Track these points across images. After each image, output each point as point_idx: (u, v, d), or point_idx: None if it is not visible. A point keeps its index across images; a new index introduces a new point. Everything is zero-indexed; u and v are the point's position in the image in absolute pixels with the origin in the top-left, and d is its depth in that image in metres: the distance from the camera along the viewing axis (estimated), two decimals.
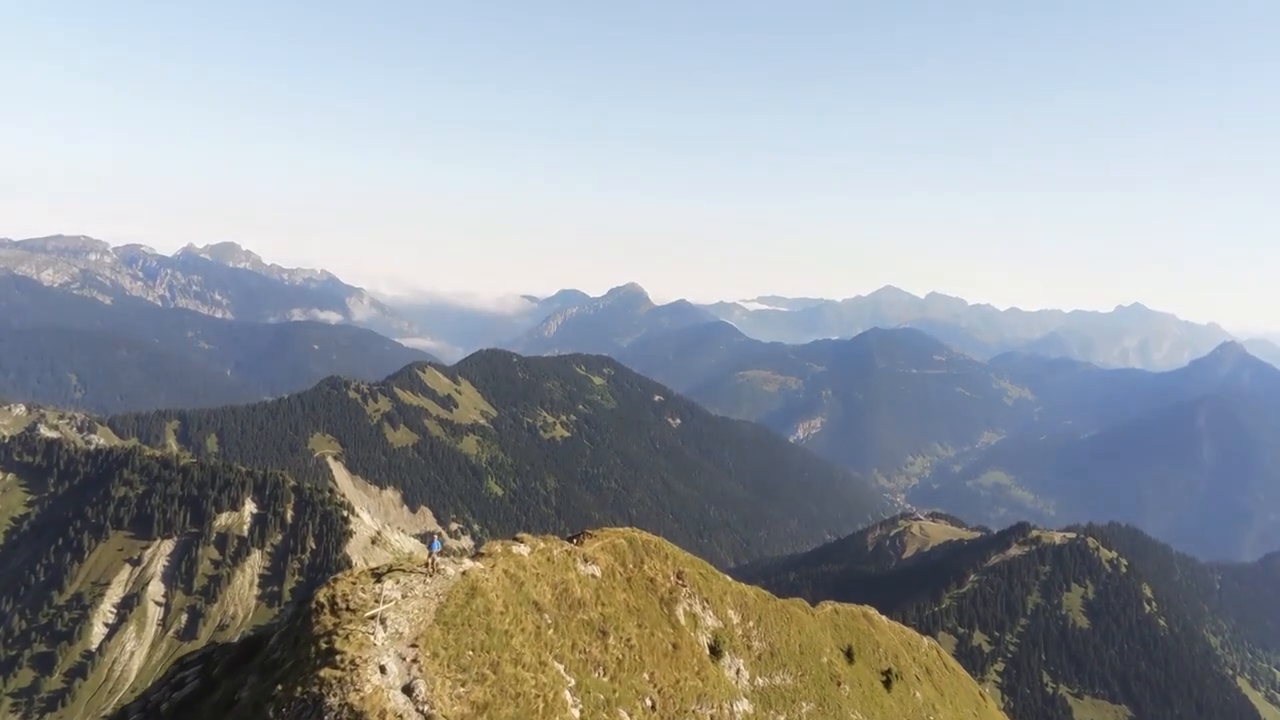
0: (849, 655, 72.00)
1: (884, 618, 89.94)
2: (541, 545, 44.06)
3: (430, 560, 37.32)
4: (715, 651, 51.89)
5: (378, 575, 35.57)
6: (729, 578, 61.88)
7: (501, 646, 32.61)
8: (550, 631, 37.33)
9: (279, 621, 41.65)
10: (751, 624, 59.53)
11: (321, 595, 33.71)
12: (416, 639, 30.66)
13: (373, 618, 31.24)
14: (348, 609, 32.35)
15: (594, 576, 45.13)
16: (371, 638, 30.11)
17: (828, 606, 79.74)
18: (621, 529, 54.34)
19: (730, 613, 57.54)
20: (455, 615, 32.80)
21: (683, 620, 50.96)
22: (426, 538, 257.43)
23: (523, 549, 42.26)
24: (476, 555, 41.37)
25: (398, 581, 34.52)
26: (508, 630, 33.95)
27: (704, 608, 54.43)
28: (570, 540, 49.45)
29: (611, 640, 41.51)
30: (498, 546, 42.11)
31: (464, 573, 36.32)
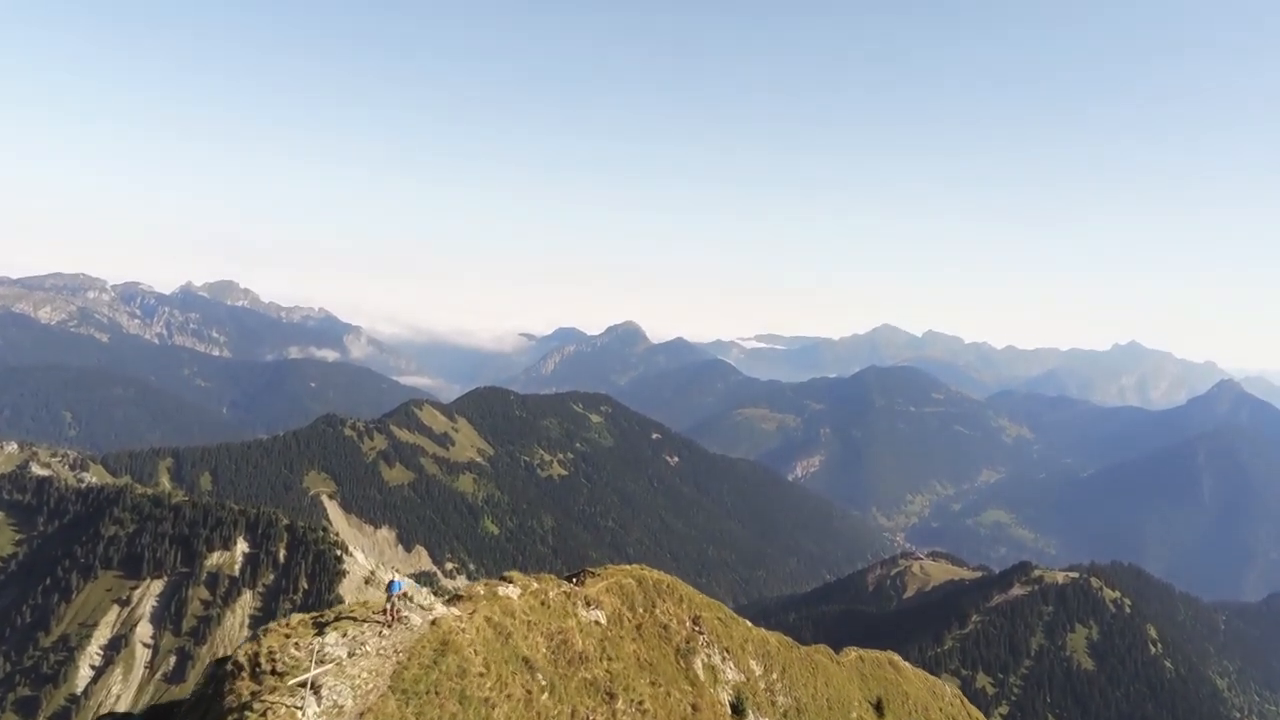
0: (879, 709, 67.44)
1: (907, 664, 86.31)
2: (535, 586, 37.05)
3: (389, 607, 29.32)
4: (738, 711, 45.69)
5: (320, 625, 28.13)
6: (748, 623, 56.04)
7: None
8: (545, 697, 30.21)
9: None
10: (775, 676, 53.53)
11: (242, 653, 26.48)
12: (363, 713, 23.72)
13: (303, 684, 24.03)
14: (273, 672, 25.23)
15: (598, 624, 38.35)
16: (299, 713, 23.18)
17: (852, 653, 75.18)
18: (628, 566, 47.25)
19: (752, 663, 51.27)
20: (419, 680, 25.39)
21: (701, 674, 44.11)
22: (421, 577, 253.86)
23: (511, 591, 35.25)
24: (452, 599, 33.68)
25: (344, 634, 26.91)
26: (488, 698, 26.71)
27: (724, 658, 47.60)
28: (570, 580, 42.71)
29: (620, 704, 34.36)
30: (480, 588, 34.93)
31: (433, 622, 29.00)
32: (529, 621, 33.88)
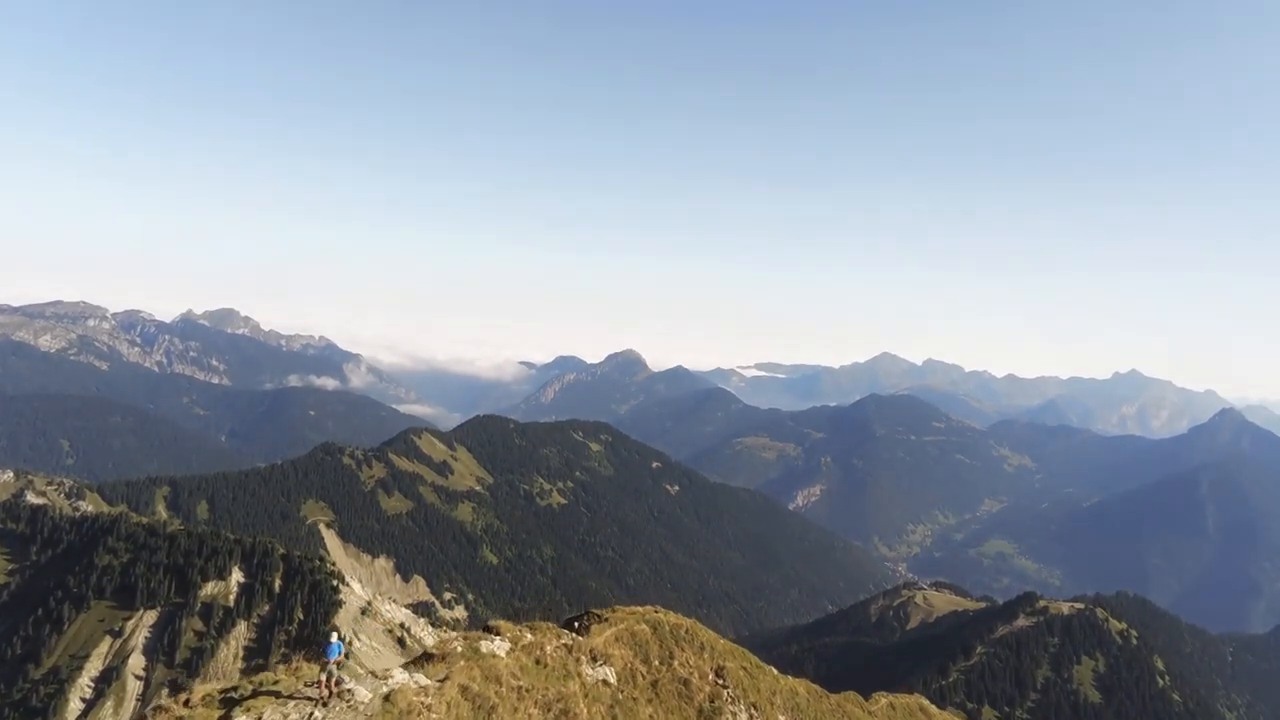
0: None
1: (935, 708, 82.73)
2: (528, 639, 30.24)
3: (325, 677, 22.65)
4: None
5: (229, 703, 21.78)
6: (774, 670, 49.76)
7: None
8: None
9: None
10: None
11: None
12: None
13: None
14: None
15: (607, 684, 31.68)
16: None
17: (883, 700, 71.35)
18: (640, 608, 41.31)
19: (781, 719, 44.89)
20: None
21: None
22: (419, 608, 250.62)
23: (498, 645, 28.66)
24: (420, 659, 26.73)
25: (259, 718, 20.56)
26: None
27: (751, 716, 40.80)
28: (571, 625, 36.38)
29: None
30: (457, 643, 28.07)
31: (388, 696, 22.05)
32: (519, 688, 26.10)
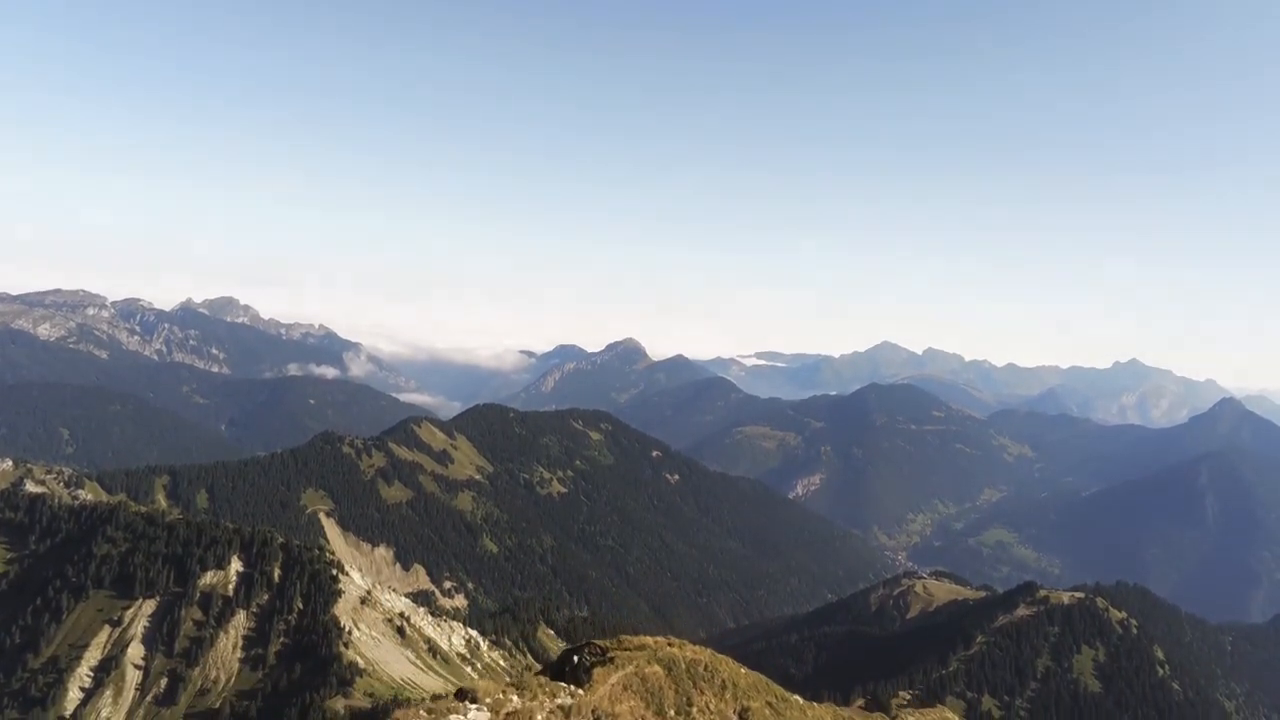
0: None
1: (956, 717, 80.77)
2: (513, 703, 24.22)
3: None
4: None
5: None
6: (799, 699, 44.89)
7: None
8: None
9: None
10: None
11: None
12: None
13: None
14: None
15: None
16: None
17: (909, 718, 68.53)
18: (652, 641, 36.23)
19: None
20: None
21: None
22: (419, 597, 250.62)
23: (474, 719, 22.09)
24: None
25: None
26: None
27: None
28: (569, 662, 31.11)
29: None
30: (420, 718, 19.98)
31: None
32: None
